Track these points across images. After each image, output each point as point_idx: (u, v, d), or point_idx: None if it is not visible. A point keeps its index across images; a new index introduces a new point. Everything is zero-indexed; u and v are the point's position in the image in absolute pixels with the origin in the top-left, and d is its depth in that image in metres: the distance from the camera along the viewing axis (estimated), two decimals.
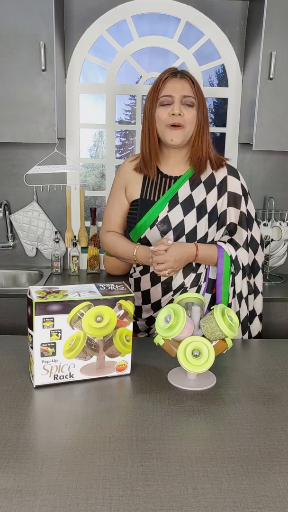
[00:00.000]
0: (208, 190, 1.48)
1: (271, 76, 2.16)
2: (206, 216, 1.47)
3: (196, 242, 1.46)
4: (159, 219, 1.47)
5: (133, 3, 2.39)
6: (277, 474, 0.86)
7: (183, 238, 1.46)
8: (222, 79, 2.58)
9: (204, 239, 1.48)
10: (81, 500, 0.78)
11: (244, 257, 1.50)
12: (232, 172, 1.52)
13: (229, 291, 1.49)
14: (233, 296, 1.50)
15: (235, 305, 1.51)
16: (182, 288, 1.52)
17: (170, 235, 1.47)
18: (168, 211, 1.47)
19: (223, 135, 2.59)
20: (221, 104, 2.60)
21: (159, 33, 2.47)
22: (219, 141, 2.59)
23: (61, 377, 1.14)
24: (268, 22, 2.11)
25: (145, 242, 1.50)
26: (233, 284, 1.49)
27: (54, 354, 1.12)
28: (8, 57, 2.13)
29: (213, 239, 1.50)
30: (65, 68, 2.46)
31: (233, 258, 1.47)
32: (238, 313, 1.52)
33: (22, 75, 2.16)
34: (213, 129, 2.57)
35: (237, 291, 1.50)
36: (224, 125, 2.57)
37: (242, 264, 1.49)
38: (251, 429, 0.99)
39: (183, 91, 1.38)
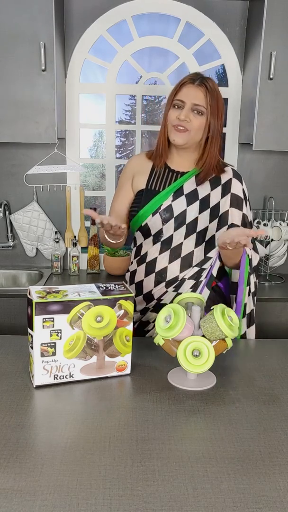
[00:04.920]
0: (213, 188, 1.52)
1: (271, 76, 2.16)
2: (208, 210, 1.51)
3: (195, 233, 1.49)
4: (162, 208, 1.51)
5: (133, 3, 2.39)
6: (277, 474, 0.86)
7: (184, 228, 1.50)
8: (222, 79, 2.58)
9: (203, 232, 1.50)
10: (81, 500, 0.78)
11: (255, 256, 1.53)
12: (237, 176, 1.56)
13: (246, 289, 1.52)
14: (248, 295, 1.52)
15: (250, 303, 1.53)
16: (178, 281, 1.53)
17: (171, 223, 1.50)
18: (172, 201, 1.51)
19: (223, 135, 2.58)
20: None
21: (159, 33, 2.47)
22: None
23: (61, 377, 1.14)
24: (268, 22, 2.11)
25: (146, 229, 1.53)
26: (249, 284, 1.51)
27: (54, 354, 1.12)
28: (8, 57, 2.13)
29: (212, 236, 1.52)
30: (65, 68, 2.46)
31: (250, 257, 1.50)
32: (252, 311, 1.54)
33: (22, 75, 2.15)
34: None
35: (252, 290, 1.52)
36: (224, 125, 2.56)
37: (253, 264, 1.52)
38: (251, 429, 0.99)
39: (195, 99, 1.43)
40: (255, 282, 1.55)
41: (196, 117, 1.44)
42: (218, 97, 1.46)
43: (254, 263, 1.53)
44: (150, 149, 1.64)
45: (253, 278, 1.53)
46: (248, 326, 1.55)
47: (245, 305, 1.52)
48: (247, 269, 1.49)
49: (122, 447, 0.92)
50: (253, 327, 1.57)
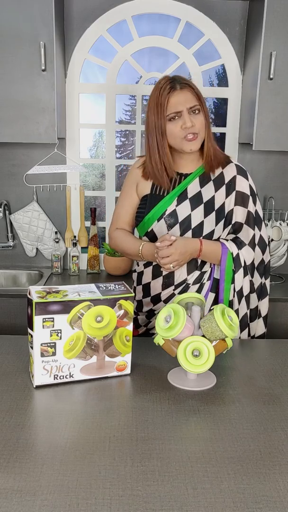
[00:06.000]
0: (217, 188, 1.51)
1: (271, 76, 2.16)
2: (214, 213, 1.49)
3: (201, 237, 1.48)
4: (166, 213, 1.50)
5: (133, 3, 2.39)
6: (277, 474, 0.86)
7: (189, 233, 1.48)
8: (222, 79, 2.58)
9: (210, 236, 1.49)
10: (81, 500, 0.78)
11: (248, 255, 1.51)
12: (241, 172, 1.54)
13: (230, 288, 1.50)
14: (233, 295, 1.51)
15: (235, 302, 1.52)
16: (184, 284, 1.52)
17: (177, 229, 1.49)
18: (176, 206, 1.49)
19: (223, 135, 2.59)
20: (221, 104, 2.60)
21: (159, 33, 2.47)
22: (219, 141, 2.59)
23: (61, 377, 1.14)
24: (268, 22, 2.11)
25: (152, 235, 1.52)
26: (233, 282, 1.50)
27: (54, 354, 1.12)
28: (8, 57, 2.13)
29: (219, 237, 1.51)
30: (65, 68, 2.46)
31: (234, 255, 1.48)
32: (237, 311, 1.52)
33: (22, 75, 2.16)
34: (213, 129, 2.56)
35: (237, 289, 1.51)
36: (224, 125, 2.57)
37: (245, 262, 1.50)
38: (251, 429, 0.99)
39: (188, 102, 1.40)
40: (251, 281, 1.53)
41: (196, 117, 1.42)
42: (198, 89, 1.44)
43: (247, 261, 1.50)
44: (142, 167, 1.57)
45: (245, 278, 1.51)
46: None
47: (230, 303, 1.51)
48: (229, 266, 1.49)
49: (122, 447, 0.92)
50: (245, 331, 1.56)
